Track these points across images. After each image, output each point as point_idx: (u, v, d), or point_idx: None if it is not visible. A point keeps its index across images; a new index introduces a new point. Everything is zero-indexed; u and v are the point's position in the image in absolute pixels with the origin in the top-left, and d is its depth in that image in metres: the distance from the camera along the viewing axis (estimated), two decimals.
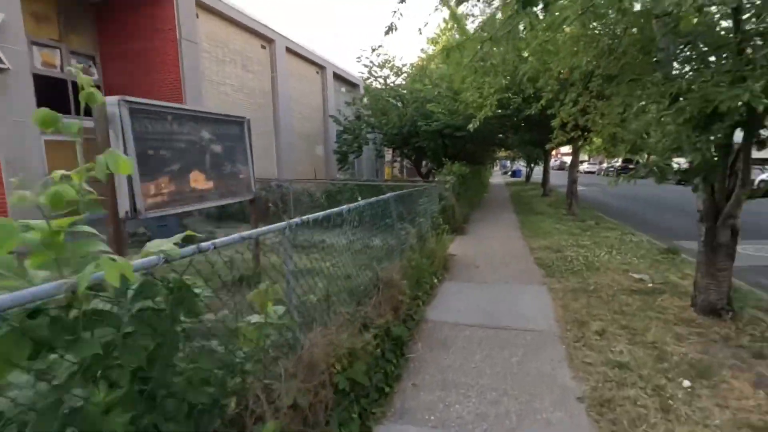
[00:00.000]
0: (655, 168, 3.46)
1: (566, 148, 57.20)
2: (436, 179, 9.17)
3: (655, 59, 4.16)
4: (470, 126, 6.84)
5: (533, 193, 19.62)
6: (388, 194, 4.34)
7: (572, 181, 10.95)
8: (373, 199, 4.10)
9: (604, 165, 40.67)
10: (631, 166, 34.46)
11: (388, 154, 22.56)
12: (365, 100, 17.27)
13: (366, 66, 16.68)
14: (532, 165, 28.29)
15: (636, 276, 5.19)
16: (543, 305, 4.45)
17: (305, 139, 18.44)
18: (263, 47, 14.96)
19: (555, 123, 7.11)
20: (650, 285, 4.87)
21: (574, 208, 10.85)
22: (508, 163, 48.04)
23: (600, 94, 6.56)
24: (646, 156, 5.19)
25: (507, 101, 11.98)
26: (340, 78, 21.36)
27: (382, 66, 16.32)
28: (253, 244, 4.93)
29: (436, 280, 5.33)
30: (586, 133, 9.29)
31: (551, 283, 5.19)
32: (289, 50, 16.48)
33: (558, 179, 26.66)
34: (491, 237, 8.67)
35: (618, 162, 35.83)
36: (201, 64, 11.68)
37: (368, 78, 16.55)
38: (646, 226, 9.88)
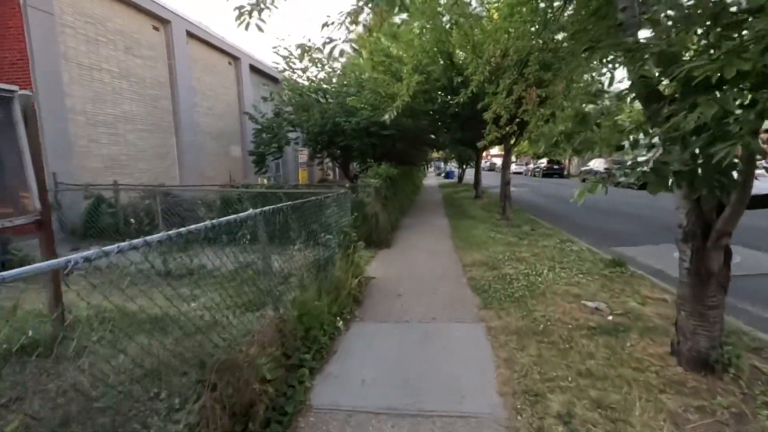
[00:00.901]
0: (648, 169, 2.29)
1: (496, 150, 59.13)
2: (359, 182, 7.85)
3: (618, 23, 3.09)
4: (386, 116, 5.54)
5: (465, 194, 19.04)
6: (250, 211, 2.82)
7: (505, 183, 10.14)
8: (228, 218, 2.59)
9: (531, 166, 42.15)
10: (555, 167, 35.95)
11: (303, 155, 20.65)
12: (285, 94, 15.51)
13: (283, 57, 14.90)
14: (464, 166, 28.08)
15: (590, 305, 4.15)
16: (481, 361, 3.19)
17: (217, 139, 16.23)
18: (156, 29, 12.64)
19: (487, 116, 6.04)
20: (610, 318, 3.83)
21: (508, 212, 10.05)
22: (442, 164, 48.31)
23: (538, 81, 5.58)
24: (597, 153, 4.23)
25: (433, 94, 10.93)
26: (258, 71, 19.28)
27: (302, 56, 14.60)
28: (50, 285, 3.16)
29: (341, 323, 3.91)
30: (519, 130, 8.46)
31: (489, 319, 3.98)
32: (192, 35, 14.25)
33: (489, 180, 26.69)
34: (420, 249, 7.46)
35: (543, 163, 37.22)
36: (61, 42, 9.28)
37: (284, 70, 14.80)
38: (580, 229, 9.28)
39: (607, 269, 5.56)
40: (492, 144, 16.36)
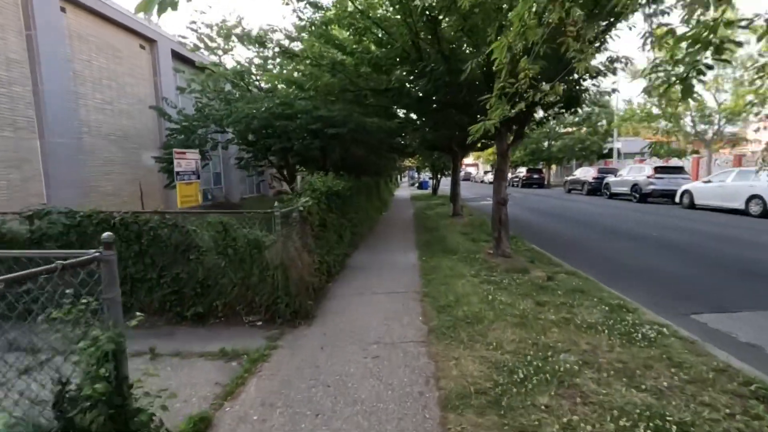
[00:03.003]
0: None
1: (470, 158, 56.53)
2: (275, 205, 4.54)
3: None
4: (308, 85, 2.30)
5: (441, 210, 15.84)
6: None
7: (500, 203, 6.88)
8: None
9: (509, 175, 39.74)
10: (536, 176, 33.49)
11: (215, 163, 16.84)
12: (207, 83, 11.99)
13: (195, 31, 11.38)
14: (439, 176, 25.05)
15: None
16: None
17: (120, 143, 12.46)
18: None
19: (499, 65, 2.79)
20: None
21: (504, 245, 6.80)
22: (416, 173, 45.36)
23: None
24: None
25: (393, 68, 7.60)
26: (186, 59, 15.59)
27: (227, 33, 11.08)
28: None
29: None
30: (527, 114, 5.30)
31: None
32: (71, 1, 10.58)
33: (464, 190, 23.52)
34: (362, 331, 4.07)
35: (522, 172, 34.74)
36: None
37: (196, 49, 11.33)
38: (613, 271, 6.16)
39: (759, 403, 2.34)
40: (475, 145, 13.32)
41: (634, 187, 17.54)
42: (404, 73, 7.14)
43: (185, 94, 12.72)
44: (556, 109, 7.10)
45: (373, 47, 7.14)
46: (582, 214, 13.44)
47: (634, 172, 18.21)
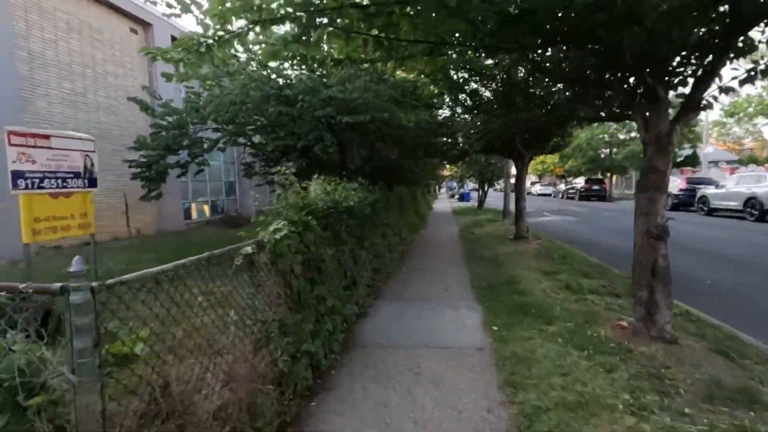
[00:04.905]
0: None
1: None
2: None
3: None
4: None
5: (494, 229, 12.50)
6: None
7: (653, 235, 3.48)
8: None
9: (562, 186, 35.40)
10: (596, 188, 29.07)
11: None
12: (204, 69, 9.46)
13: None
14: (486, 187, 21.54)
15: None
16: None
17: (97, 144, 10.10)
18: None
19: None
20: None
21: (662, 316, 3.47)
22: (455, 183, 41.79)
23: None
24: None
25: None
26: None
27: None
28: None
29: None
30: None
31: None
32: None
33: (498, 203, 19.29)
34: None
35: (580, 183, 30.47)
36: None
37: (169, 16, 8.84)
38: None
39: None
40: (548, 142, 9.84)
41: (750, 201, 13.41)
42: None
43: (175, 82, 10.21)
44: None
45: None
46: (701, 241, 9.67)
47: (749, 182, 14.02)
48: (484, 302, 5.02)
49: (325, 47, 4.01)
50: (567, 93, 4.56)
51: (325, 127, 7.48)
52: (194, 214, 14.60)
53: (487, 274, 6.40)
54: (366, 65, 6.11)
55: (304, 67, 6.71)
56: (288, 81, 6.95)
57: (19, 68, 8.20)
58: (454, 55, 4.43)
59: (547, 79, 5.07)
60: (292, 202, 3.85)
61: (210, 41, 3.75)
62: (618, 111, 4.12)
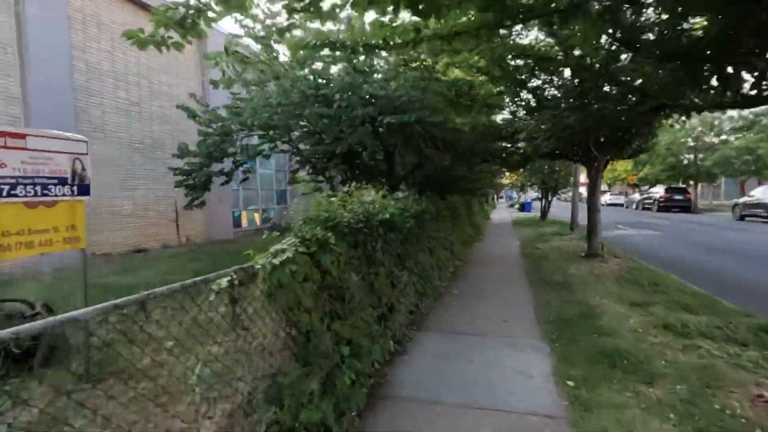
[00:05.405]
0: None
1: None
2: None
3: None
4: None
5: (561, 244, 11.06)
6: None
7: None
8: None
9: (637, 196, 32.04)
10: (679, 197, 25.84)
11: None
12: (249, 74, 9.21)
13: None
14: (550, 196, 19.74)
15: None
16: None
17: (149, 153, 10.28)
18: None
19: None
20: None
21: None
22: (515, 193, 39.55)
23: None
24: None
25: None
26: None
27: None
28: None
29: None
30: None
31: None
32: None
33: (563, 213, 17.07)
34: None
35: (659, 192, 27.27)
36: None
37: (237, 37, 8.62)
38: None
39: None
40: (629, 143, 8.31)
41: None
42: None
43: (223, 88, 10.09)
44: None
45: None
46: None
47: None
48: (554, 342, 3.96)
49: (342, 17, 3.27)
50: (670, 74, 3.44)
51: (368, 130, 6.78)
52: (244, 222, 14.57)
53: (557, 303, 5.28)
54: (412, 54, 5.33)
55: (337, 60, 6.02)
56: (327, 79, 6.35)
57: (76, 79, 8.40)
58: (514, 32, 3.52)
59: (637, 59, 3.94)
60: (312, 215, 3.13)
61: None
62: (755, 93, 2.95)
